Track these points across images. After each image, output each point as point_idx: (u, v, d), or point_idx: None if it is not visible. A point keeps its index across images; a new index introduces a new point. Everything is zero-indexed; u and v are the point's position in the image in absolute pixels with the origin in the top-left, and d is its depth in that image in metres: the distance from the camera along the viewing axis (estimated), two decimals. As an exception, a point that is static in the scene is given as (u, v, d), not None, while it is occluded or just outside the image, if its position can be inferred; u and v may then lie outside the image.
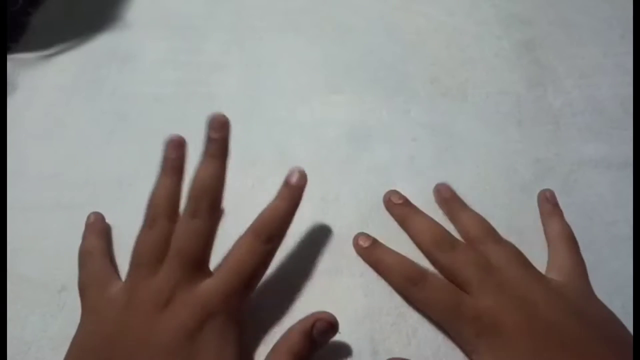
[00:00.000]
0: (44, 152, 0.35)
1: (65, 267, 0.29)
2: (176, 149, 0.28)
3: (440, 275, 0.27)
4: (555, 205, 0.31)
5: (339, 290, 0.28)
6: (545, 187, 0.33)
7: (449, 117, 0.37)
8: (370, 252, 0.29)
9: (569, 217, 0.31)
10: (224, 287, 0.24)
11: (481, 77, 0.40)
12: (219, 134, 0.27)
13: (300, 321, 0.25)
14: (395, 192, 0.32)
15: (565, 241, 0.29)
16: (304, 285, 0.28)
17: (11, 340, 0.26)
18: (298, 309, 0.27)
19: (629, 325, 0.27)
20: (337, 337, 0.26)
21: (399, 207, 0.31)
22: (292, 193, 0.27)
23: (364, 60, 0.41)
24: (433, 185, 0.33)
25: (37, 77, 0.39)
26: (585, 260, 0.29)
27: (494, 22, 0.44)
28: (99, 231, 0.30)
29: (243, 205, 0.32)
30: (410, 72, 0.40)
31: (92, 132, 0.36)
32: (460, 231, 0.30)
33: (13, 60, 0.40)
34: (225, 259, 0.25)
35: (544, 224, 0.31)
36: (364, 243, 0.29)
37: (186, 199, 0.26)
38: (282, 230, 0.26)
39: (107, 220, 0.31)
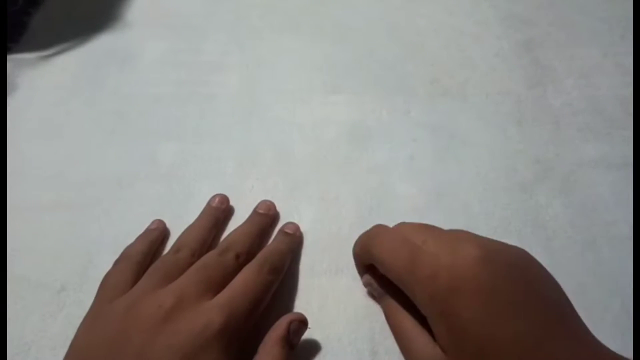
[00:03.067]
0: (44, 152, 0.35)
1: (65, 267, 0.29)
2: (221, 202, 0.31)
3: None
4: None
5: (339, 290, 0.28)
6: (545, 187, 0.33)
7: (448, 117, 0.37)
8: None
9: (569, 217, 0.31)
10: (228, 306, 0.23)
11: (481, 77, 0.40)
12: (264, 212, 0.31)
13: (274, 328, 0.24)
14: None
15: None
16: (304, 285, 0.28)
17: (11, 340, 0.26)
18: (298, 309, 0.27)
19: (630, 326, 0.27)
20: (337, 337, 0.26)
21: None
22: (291, 239, 0.30)
23: (364, 60, 0.41)
24: (433, 186, 0.33)
25: (37, 77, 0.39)
26: (585, 260, 0.29)
27: (494, 22, 0.44)
28: (150, 239, 0.29)
29: (243, 206, 0.32)
30: (410, 72, 0.40)
31: (92, 132, 0.36)
32: None
33: (13, 60, 0.40)
34: (230, 284, 0.25)
35: None
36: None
37: (218, 244, 0.28)
38: (282, 265, 0.28)
39: (107, 220, 0.31)
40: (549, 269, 0.29)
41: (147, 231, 0.30)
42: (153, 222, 0.31)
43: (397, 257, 0.23)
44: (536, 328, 0.20)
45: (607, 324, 0.27)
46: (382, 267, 0.24)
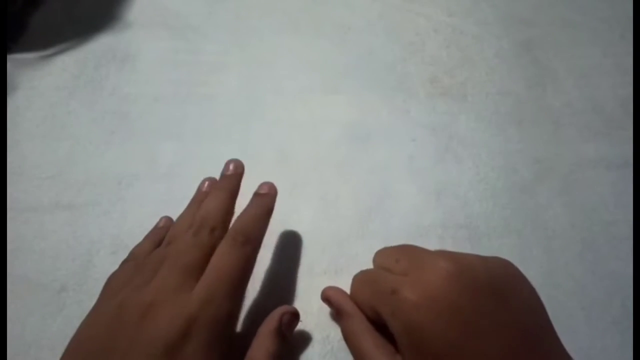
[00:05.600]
0: (44, 152, 0.35)
1: (65, 268, 0.29)
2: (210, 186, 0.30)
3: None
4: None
5: (339, 290, 0.28)
6: (545, 187, 0.33)
7: (448, 117, 0.37)
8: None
9: (569, 217, 0.31)
10: (207, 295, 0.23)
11: (481, 77, 0.40)
12: (232, 172, 0.29)
13: (266, 321, 0.24)
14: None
15: None
16: (303, 286, 0.28)
17: (11, 340, 0.26)
18: (298, 309, 0.27)
19: (630, 326, 0.27)
20: (337, 337, 0.26)
21: None
22: (264, 200, 0.28)
23: (364, 60, 0.41)
24: (433, 186, 0.33)
25: (37, 77, 0.39)
26: (585, 260, 0.29)
27: (494, 22, 0.44)
28: (157, 239, 0.29)
29: (242, 206, 0.32)
30: (410, 72, 0.40)
31: (92, 132, 0.36)
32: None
33: (13, 60, 0.40)
34: (207, 268, 0.24)
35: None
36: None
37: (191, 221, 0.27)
38: (258, 232, 0.26)
39: (107, 220, 0.31)
40: (549, 269, 0.29)
41: (155, 230, 0.30)
42: (161, 220, 0.30)
43: (365, 280, 0.25)
44: (504, 351, 0.19)
45: (607, 324, 0.27)
46: (353, 298, 0.25)
